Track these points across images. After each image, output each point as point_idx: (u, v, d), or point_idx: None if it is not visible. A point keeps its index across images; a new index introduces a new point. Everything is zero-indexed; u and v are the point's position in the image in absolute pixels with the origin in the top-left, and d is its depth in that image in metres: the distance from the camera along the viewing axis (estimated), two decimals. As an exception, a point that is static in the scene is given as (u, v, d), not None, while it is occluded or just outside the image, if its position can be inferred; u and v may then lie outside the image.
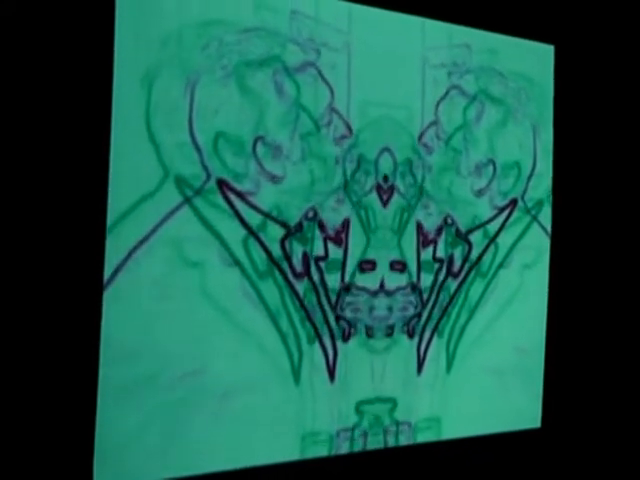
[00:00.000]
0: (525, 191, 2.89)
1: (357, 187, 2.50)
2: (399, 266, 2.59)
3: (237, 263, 2.26)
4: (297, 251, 2.39)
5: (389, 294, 2.57)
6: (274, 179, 2.32)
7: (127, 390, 2.07)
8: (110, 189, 2.03)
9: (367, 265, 2.53)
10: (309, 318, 2.42)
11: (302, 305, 2.40)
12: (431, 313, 2.67)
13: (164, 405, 2.14)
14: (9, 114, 1.92)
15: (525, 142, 2.90)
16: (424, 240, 2.64)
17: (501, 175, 2.82)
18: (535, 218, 2.92)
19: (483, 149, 2.77)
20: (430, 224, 2.65)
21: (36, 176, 1.96)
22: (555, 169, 2.96)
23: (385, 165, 2.55)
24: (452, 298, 2.73)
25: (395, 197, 2.58)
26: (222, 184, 2.23)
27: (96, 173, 2.02)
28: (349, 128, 2.47)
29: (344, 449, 2.50)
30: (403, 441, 2.61)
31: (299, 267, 2.39)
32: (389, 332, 2.58)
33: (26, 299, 1.95)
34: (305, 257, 2.41)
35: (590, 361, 3.00)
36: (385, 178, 2.55)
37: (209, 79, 2.19)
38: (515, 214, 2.87)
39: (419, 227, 2.63)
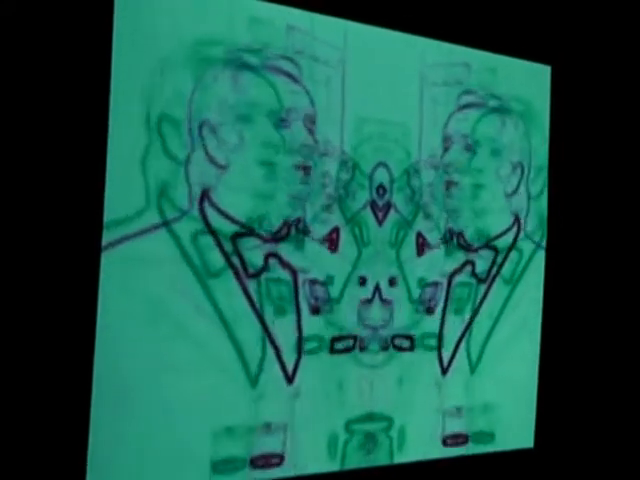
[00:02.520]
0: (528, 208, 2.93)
1: (350, 201, 2.51)
2: (393, 280, 2.60)
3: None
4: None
5: (382, 306, 2.58)
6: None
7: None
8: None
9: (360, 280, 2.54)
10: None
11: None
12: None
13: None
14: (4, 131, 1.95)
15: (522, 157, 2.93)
16: (422, 252, 2.65)
17: (503, 189, 2.85)
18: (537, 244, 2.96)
19: (485, 163, 2.80)
20: (430, 237, 2.67)
21: (27, 191, 1.98)
22: (550, 189, 2.97)
23: (381, 180, 2.57)
24: (476, 311, 2.76)
25: (392, 213, 2.59)
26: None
27: (90, 188, 2.05)
28: (340, 143, 2.48)
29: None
30: (390, 459, 2.60)
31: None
32: (384, 346, 2.58)
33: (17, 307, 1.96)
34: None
35: (583, 381, 3.00)
36: (381, 192, 2.56)
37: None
38: (515, 230, 2.89)
39: (419, 239, 2.65)
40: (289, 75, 2.38)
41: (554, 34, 2.94)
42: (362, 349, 2.54)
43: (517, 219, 2.88)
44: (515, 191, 2.88)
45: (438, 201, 2.68)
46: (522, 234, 2.90)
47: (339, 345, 2.50)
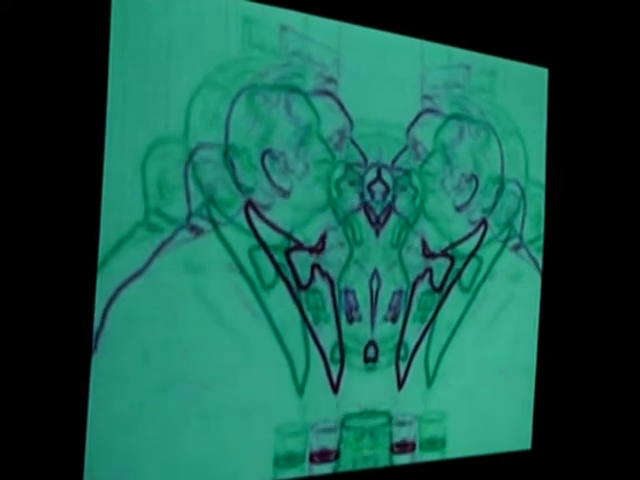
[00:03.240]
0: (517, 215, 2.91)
1: (344, 205, 2.53)
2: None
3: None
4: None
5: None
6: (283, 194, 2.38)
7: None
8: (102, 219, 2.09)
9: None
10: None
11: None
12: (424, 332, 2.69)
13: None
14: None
15: (517, 163, 2.92)
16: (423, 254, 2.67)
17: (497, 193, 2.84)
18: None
19: (442, 169, 2.75)
20: (432, 244, 2.69)
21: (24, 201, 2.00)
22: (548, 190, 2.97)
23: (378, 184, 2.58)
24: (431, 321, 2.73)
25: (393, 217, 2.61)
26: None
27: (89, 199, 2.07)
28: (337, 147, 2.50)
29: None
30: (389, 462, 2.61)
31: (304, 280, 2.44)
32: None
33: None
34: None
35: (580, 382, 2.99)
36: (382, 195, 2.59)
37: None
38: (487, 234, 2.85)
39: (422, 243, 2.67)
40: (330, 94, 2.46)
41: (551, 37, 2.95)
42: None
43: (482, 223, 2.82)
44: (470, 199, 2.80)
45: (432, 206, 2.69)
46: (487, 237, 2.83)
47: (370, 353, 2.56)
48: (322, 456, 2.47)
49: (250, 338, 2.32)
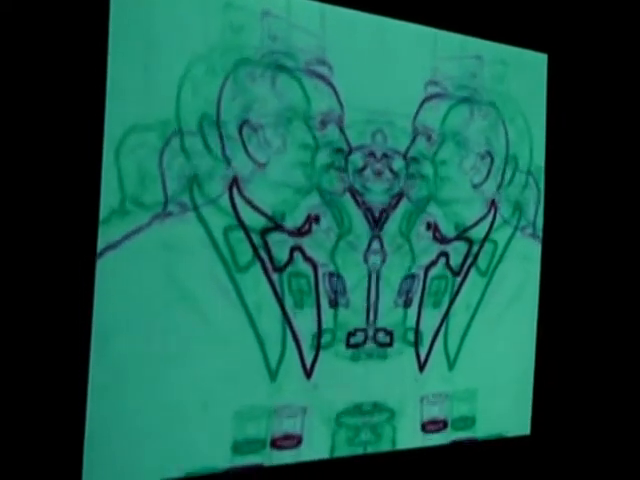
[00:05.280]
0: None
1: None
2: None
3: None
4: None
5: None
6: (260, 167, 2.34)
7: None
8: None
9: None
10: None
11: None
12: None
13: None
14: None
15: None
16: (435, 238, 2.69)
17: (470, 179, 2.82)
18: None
19: (451, 154, 2.75)
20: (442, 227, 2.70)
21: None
22: (547, 177, 2.97)
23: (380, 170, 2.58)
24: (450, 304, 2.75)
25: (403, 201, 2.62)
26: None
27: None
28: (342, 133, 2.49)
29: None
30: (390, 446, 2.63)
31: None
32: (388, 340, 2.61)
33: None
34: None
35: (580, 368, 3.01)
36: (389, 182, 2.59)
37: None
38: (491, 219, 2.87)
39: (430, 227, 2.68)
40: (322, 77, 2.43)
41: (550, 22, 2.94)
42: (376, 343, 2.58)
43: (492, 206, 2.85)
44: (485, 180, 2.83)
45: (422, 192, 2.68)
46: (497, 222, 2.86)
47: (353, 339, 2.54)
48: (285, 440, 2.43)
49: (222, 320, 2.27)
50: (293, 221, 2.40)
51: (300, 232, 2.42)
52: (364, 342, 2.56)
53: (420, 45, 2.64)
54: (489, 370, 2.84)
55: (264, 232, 2.35)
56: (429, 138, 2.67)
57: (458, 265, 2.76)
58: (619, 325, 3.02)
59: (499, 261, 2.87)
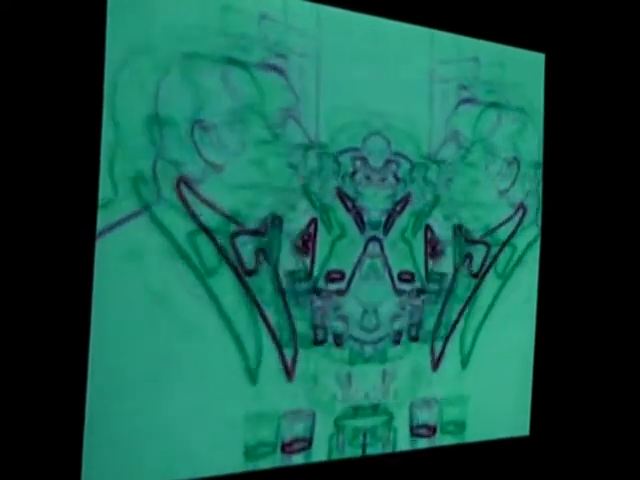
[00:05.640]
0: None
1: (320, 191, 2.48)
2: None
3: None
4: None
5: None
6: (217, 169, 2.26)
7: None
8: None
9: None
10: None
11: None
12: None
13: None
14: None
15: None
16: (433, 248, 2.68)
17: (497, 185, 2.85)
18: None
19: (479, 159, 2.79)
20: (440, 230, 2.69)
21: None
22: (545, 177, 2.96)
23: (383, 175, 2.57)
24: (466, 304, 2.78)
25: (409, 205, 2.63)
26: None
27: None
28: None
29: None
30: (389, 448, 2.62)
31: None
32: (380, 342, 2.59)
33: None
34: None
35: (579, 368, 3.00)
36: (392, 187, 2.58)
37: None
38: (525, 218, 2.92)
39: (428, 233, 2.67)
40: (278, 71, 2.36)
41: (548, 21, 2.93)
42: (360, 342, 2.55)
43: (520, 209, 2.89)
44: (512, 186, 2.87)
45: (442, 195, 2.69)
46: (523, 225, 2.90)
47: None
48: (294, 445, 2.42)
49: (196, 326, 2.22)
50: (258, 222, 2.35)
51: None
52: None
53: (417, 45, 2.63)
54: (494, 372, 2.85)
55: (231, 235, 2.29)
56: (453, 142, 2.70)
57: (478, 266, 2.80)
58: (619, 325, 3.02)
59: (516, 264, 2.90)
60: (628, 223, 3.05)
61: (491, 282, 2.84)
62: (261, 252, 2.35)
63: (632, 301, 3.03)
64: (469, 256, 2.77)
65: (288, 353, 2.41)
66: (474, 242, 2.77)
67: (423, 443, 2.68)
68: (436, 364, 2.70)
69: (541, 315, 2.94)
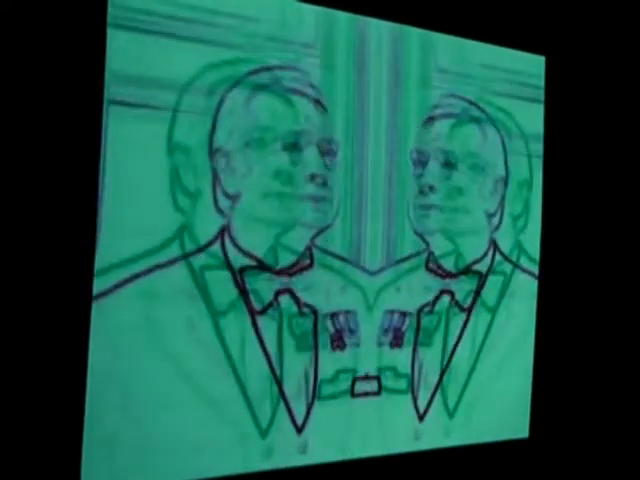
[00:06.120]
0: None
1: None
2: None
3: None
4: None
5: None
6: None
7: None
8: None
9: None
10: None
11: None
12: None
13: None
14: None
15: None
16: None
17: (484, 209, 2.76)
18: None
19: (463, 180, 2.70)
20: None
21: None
22: (545, 179, 2.96)
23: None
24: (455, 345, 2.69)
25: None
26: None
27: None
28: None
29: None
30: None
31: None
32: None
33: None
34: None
35: (578, 371, 3.01)
36: None
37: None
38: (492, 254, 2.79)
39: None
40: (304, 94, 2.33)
41: (548, 24, 2.93)
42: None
43: (494, 242, 2.76)
44: (495, 212, 2.76)
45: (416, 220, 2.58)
46: (498, 257, 2.77)
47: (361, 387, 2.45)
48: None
49: (205, 374, 2.16)
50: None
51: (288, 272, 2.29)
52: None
53: (417, 48, 2.62)
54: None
55: (244, 272, 2.23)
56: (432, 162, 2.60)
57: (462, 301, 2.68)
58: (617, 327, 3.02)
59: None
60: (626, 235, 3.05)
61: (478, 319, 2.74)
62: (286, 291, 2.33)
63: (630, 305, 3.03)
64: (448, 292, 2.65)
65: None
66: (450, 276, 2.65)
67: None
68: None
69: (540, 318, 2.94)
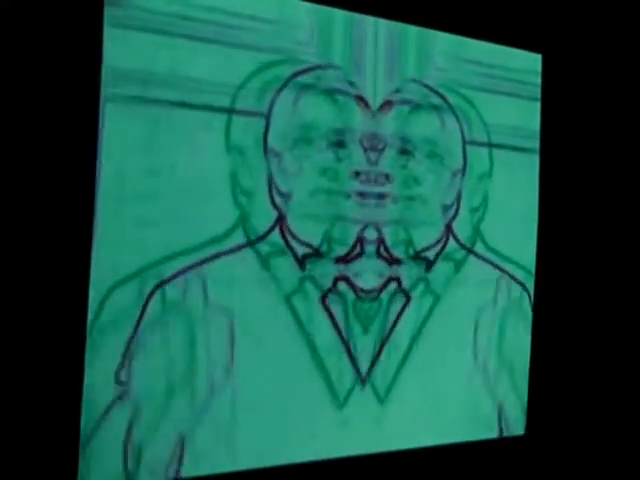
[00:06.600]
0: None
1: None
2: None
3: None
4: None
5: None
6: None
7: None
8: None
9: None
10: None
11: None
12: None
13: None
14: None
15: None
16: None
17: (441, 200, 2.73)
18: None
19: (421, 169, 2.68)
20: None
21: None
22: (542, 176, 2.97)
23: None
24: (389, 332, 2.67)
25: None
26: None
27: None
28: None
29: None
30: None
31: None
32: None
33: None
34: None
35: (574, 367, 3.01)
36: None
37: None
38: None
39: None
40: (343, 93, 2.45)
41: (545, 22, 2.93)
42: None
43: (448, 230, 2.74)
44: (452, 203, 2.73)
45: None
46: (450, 245, 2.74)
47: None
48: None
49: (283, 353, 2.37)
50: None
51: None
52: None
53: (412, 45, 2.62)
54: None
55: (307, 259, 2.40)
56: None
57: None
58: (613, 324, 3.03)
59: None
60: (624, 235, 3.06)
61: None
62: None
63: (627, 302, 3.04)
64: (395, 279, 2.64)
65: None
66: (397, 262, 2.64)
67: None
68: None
69: (537, 315, 2.95)
